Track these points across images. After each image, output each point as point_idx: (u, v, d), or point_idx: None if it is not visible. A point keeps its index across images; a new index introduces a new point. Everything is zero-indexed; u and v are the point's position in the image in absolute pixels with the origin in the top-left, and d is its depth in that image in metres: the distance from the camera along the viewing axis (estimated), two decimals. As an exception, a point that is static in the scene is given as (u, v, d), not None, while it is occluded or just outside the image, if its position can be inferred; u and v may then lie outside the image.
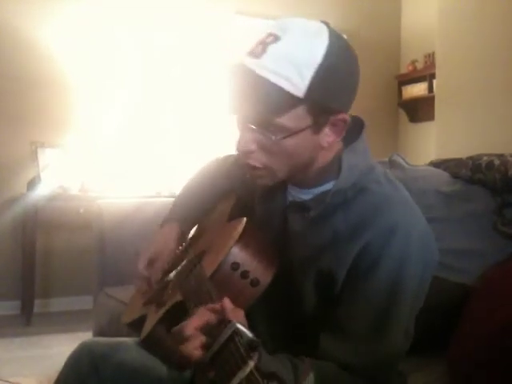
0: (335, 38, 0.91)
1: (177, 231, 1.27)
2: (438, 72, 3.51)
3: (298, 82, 0.87)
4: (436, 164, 1.91)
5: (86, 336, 1.50)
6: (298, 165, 0.97)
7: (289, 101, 0.88)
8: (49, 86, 3.62)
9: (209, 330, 0.77)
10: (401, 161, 1.83)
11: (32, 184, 3.46)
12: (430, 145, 3.91)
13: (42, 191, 3.39)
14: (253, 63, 0.89)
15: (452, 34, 3.33)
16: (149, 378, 1.13)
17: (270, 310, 1.02)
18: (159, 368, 1.06)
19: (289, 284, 1.01)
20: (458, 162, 1.81)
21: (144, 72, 3.82)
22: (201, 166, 1.44)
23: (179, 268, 1.17)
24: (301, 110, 0.90)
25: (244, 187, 1.21)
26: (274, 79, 0.87)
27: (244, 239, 0.98)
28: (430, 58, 4.52)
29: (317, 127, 0.93)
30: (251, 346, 0.68)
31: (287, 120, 0.89)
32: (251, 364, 0.63)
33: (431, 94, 4.25)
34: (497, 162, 1.69)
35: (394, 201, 0.98)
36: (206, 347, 0.75)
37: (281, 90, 0.87)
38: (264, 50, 0.88)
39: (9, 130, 3.59)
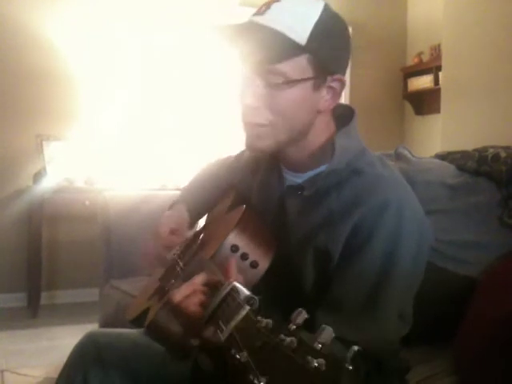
0: (329, 6, 1.00)
1: (186, 211, 1.29)
2: (444, 64, 3.49)
3: (299, 30, 0.94)
4: (442, 156, 1.91)
5: (92, 327, 1.51)
6: (296, 126, 1.00)
7: (291, 48, 0.94)
8: (54, 79, 3.63)
9: (207, 292, 0.80)
10: (406, 153, 1.83)
11: (38, 177, 3.47)
12: (436, 137, 3.89)
13: (47, 184, 3.40)
14: (258, 18, 0.97)
15: (458, 25, 3.31)
16: (153, 366, 1.15)
17: (269, 291, 1.03)
18: (163, 356, 1.07)
19: (287, 265, 1.03)
20: (463, 155, 1.81)
21: (149, 66, 3.82)
22: (202, 166, 1.47)
23: (183, 262, 1.18)
24: (303, 60, 0.95)
25: (243, 180, 1.23)
26: (277, 27, 0.93)
27: (243, 223, 1.01)
28: (436, 50, 4.49)
29: (316, 83, 0.98)
30: (248, 301, 0.68)
31: (289, 67, 0.95)
32: (247, 307, 0.65)
33: (437, 87, 4.23)
34: (503, 154, 1.68)
35: (387, 180, 1.00)
36: (204, 306, 0.77)
37: (284, 36, 0.93)
38: (268, 8, 0.97)
39: (14, 124, 3.60)
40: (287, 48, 0.93)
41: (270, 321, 0.61)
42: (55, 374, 1.23)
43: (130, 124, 3.77)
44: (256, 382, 0.56)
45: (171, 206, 1.33)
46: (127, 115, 3.76)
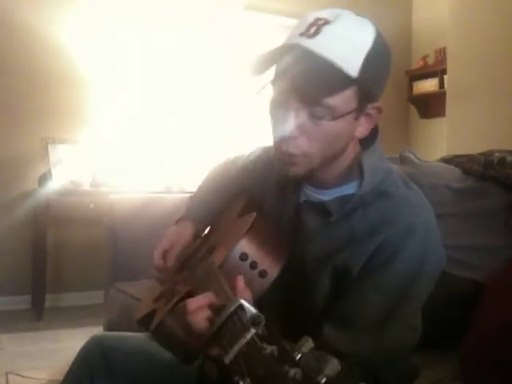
0: (378, 29, 0.96)
1: (191, 229, 1.26)
2: (449, 67, 3.49)
3: (353, 62, 0.89)
4: (447, 160, 1.90)
5: (96, 330, 1.51)
6: (331, 154, 0.97)
7: (342, 80, 0.89)
8: (59, 82, 3.63)
9: (215, 308, 0.79)
10: (412, 156, 1.82)
11: (43, 179, 3.47)
12: (441, 141, 3.89)
13: (52, 186, 3.40)
14: (308, 42, 0.89)
15: (463, 28, 3.31)
16: (159, 368, 1.15)
17: (278, 303, 1.03)
18: (169, 359, 1.07)
19: (301, 279, 1.02)
20: (469, 158, 1.80)
21: (153, 68, 3.82)
22: (212, 167, 1.43)
23: (191, 265, 1.18)
24: (350, 92, 0.91)
25: (255, 184, 1.21)
26: (331, 58, 0.87)
27: (253, 231, 0.99)
28: (441, 53, 4.49)
29: (358, 113, 0.95)
30: (254, 321, 0.68)
31: (337, 101, 0.90)
32: (252, 331, 0.64)
33: (442, 90, 4.23)
34: (509, 158, 1.68)
35: (413, 203, 0.99)
36: (211, 322, 0.76)
37: (336, 68, 0.88)
38: (319, 31, 0.90)
39: (20, 126, 3.61)
40: (339, 81, 0.89)
41: (274, 348, 0.61)
42: (59, 377, 1.23)
43: (135, 127, 3.78)
44: None
45: (177, 221, 1.30)
46: (132, 118, 3.76)
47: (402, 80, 4.91)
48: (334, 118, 0.91)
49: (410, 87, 4.90)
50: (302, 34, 0.91)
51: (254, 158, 1.26)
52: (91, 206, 3.33)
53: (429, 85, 4.67)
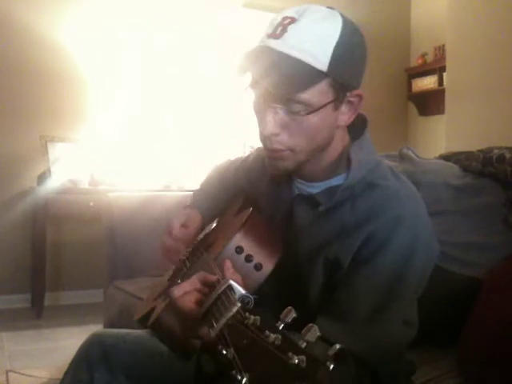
0: (346, 19, 0.97)
1: (200, 216, 1.29)
2: (448, 65, 3.49)
3: (320, 56, 0.91)
4: (446, 157, 1.90)
5: (96, 328, 1.52)
6: (317, 145, 0.99)
7: (313, 75, 0.92)
8: (59, 80, 3.64)
9: (205, 291, 0.82)
10: (411, 154, 1.82)
11: (42, 178, 3.48)
12: (440, 138, 3.89)
13: (51, 185, 3.40)
14: (275, 43, 0.93)
15: (462, 26, 3.31)
16: (158, 364, 1.15)
17: (275, 297, 1.03)
18: (168, 354, 1.08)
19: (296, 273, 1.03)
20: (468, 155, 1.81)
21: (152, 67, 3.82)
22: (212, 168, 1.46)
23: (190, 262, 1.18)
24: (324, 85, 0.93)
25: (250, 182, 1.23)
26: (297, 55, 0.91)
27: (248, 226, 1.01)
28: (440, 51, 4.49)
29: (337, 103, 0.97)
30: (243, 300, 0.70)
31: (311, 95, 0.92)
32: (238, 305, 0.66)
33: (441, 87, 4.23)
34: (508, 155, 1.68)
35: (402, 194, 1.00)
36: (200, 304, 0.79)
37: (305, 65, 0.91)
38: (284, 30, 0.93)
39: (19, 124, 3.61)
40: (308, 76, 0.91)
41: (258, 318, 0.62)
42: (59, 375, 1.23)
43: (134, 125, 3.78)
44: (239, 377, 0.57)
45: (185, 208, 1.33)
46: (131, 116, 3.76)
47: (401, 77, 4.92)
48: (311, 112, 0.93)
49: (409, 85, 4.90)
50: (269, 36, 0.95)
51: (251, 159, 1.28)
52: (90, 204, 3.33)
53: (428, 82, 4.68)
